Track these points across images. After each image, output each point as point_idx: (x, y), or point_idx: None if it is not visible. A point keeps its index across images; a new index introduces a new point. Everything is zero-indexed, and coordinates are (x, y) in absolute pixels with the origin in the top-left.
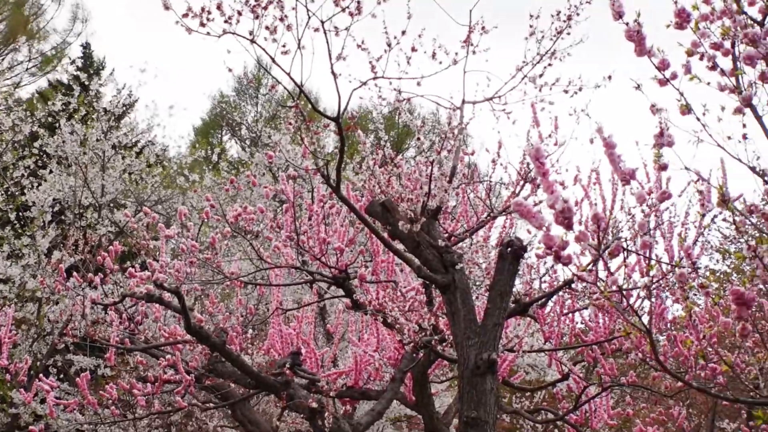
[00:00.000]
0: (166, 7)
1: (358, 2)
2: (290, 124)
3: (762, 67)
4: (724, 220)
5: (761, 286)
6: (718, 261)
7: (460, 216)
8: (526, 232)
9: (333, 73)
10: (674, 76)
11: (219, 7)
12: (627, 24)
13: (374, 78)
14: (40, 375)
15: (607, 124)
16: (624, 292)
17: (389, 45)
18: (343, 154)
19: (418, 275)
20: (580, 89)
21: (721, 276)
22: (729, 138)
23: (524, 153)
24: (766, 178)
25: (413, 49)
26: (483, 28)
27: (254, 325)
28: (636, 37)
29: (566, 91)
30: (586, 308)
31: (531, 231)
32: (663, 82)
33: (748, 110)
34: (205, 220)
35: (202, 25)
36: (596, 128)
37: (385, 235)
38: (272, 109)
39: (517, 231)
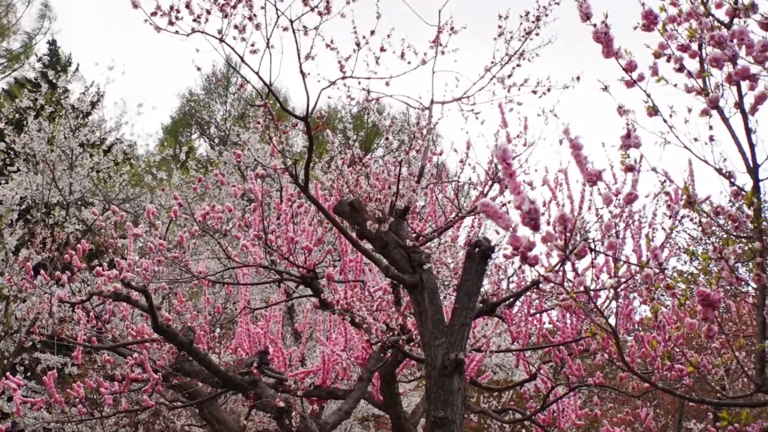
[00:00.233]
0: (135, 6)
1: (327, 2)
2: (259, 123)
3: (728, 69)
4: (692, 221)
5: (727, 287)
6: (686, 262)
7: (428, 216)
8: (494, 233)
9: (302, 72)
10: (641, 77)
11: (188, 6)
12: (595, 25)
13: (343, 78)
14: (7, 373)
15: (575, 125)
16: (591, 293)
17: (358, 45)
18: (312, 154)
19: (386, 275)
20: (549, 90)
21: (689, 277)
22: (696, 140)
23: (492, 154)
24: (732, 180)
25: (382, 49)
26: (452, 28)
27: (222, 324)
28: (603, 38)
29: (535, 92)
30: (554, 309)
31: (499, 231)
32: (630, 84)
33: (714, 112)
34: (174, 219)
35: (171, 23)
36: (563, 129)
37: (354, 234)
38: (241, 108)
39: (486, 231)
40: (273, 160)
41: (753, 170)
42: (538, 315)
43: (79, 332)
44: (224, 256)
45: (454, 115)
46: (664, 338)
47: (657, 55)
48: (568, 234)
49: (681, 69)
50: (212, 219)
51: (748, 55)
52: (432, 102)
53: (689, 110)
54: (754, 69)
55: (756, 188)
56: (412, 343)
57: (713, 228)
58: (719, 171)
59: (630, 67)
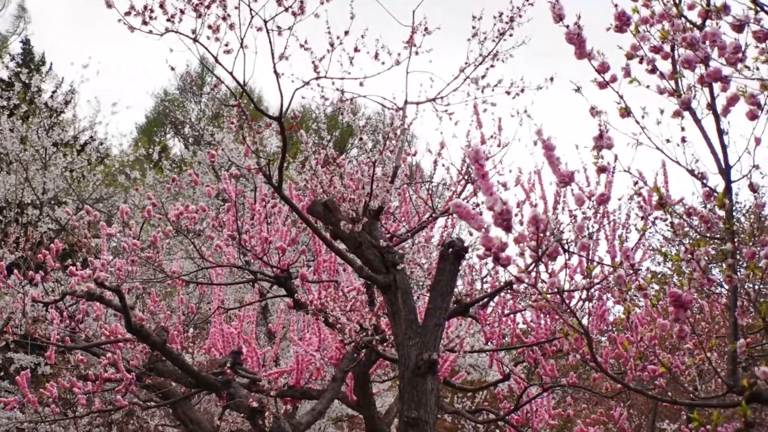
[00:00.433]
0: (109, 5)
1: (302, 2)
2: (232, 123)
3: (701, 71)
4: (665, 222)
5: (701, 289)
6: (660, 263)
7: (402, 216)
8: (468, 233)
9: (275, 72)
10: (614, 78)
11: (162, 6)
12: (567, 27)
13: (317, 78)
14: None
15: (550, 125)
16: (563, 294)
17: (332, 45)
18: (285, 154)
19: (360, 275)
20: (522, 91)
21: (662, 278)
22: (668, 141)
23: (465, 154)
24: (704, 181)
25: (356, 50)
26: (426, 29)
27: (196, 324)
28: (576, 40)
29: (508, 93)
30: (528, 309)
31: (473, 232)
32: (602, 85)
33: (687, 113)
34: (147, 219)
35: (145, 23)
36: (536, 130)
37: (327, 235)
38: (215, 108)
39: (460, 232)
40: (247, 160)
41: (725, 171)
42: (511, 315)
43: (52, 332)
44: (198, 256)
45: (429, 115)
46: (635, 339)
47: (629, 57)
48: (540, 235)
49: (653, 70)
50: (186, 219)
51: (721, 57)
52: (406, 102)
53: (661, 111)
54: (726, 71)
55: (728, 189)
56: (385, 344)
57: (686, 229)
58: (691, 172)
59: (602, 69)
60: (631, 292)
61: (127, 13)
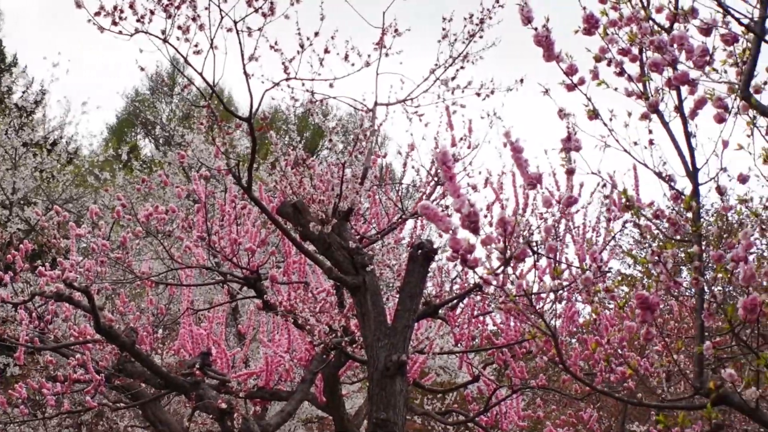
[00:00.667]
0: (78, 6)
1: (271, 3)
2: (202, 124)
3: (668, 74)
4: (635, 225)
5: (668, 291)
6: (629, 265)
7: (371, 218)
8: (437, 235)
9: (245, 73)
10: (582, 81)
11: (132, 6)
12: (536, 29)
13: (287, 79)
14: None
15: (520, 127)
16: (530, 296)
17: (302, 46)
18: (255, 155)
19: (329, 277)
20: (492, 92)
21: (632, 280)
22: (636, 143)
23: (433, 156)
24: (672, 184)
25: (326, 51)
26: (396, 30)
27: (165, 325)
28: (544, 42)
29: (478, 94)
30: (496, 311)
31: (443, 234)
32: (571, 87)
33: (654, 116)
34: (117, 220)
35: (114, 24)
36: (504, 132)
37: (297, 236)
38: (185, 109)
39: (430, 233)
40: (217, 161)
41: (692, 174)
42: (481, 317)
43: (21, 333)
44: (167, 257)
45: (399, 117)
46: (601, 341)
47: (598, 59)
48: (507, 237)
49: (621, 73)
50: (156, 220)
51: (688, 60)
52: (376, 104)
53: (629, 114)
54: (694, 74)
55: (695, 192)
56: (354, 345)
57: (655, 231)
58: (659, 175)
59: (571, 71)
60: (600, 295)
61: (97, 14)
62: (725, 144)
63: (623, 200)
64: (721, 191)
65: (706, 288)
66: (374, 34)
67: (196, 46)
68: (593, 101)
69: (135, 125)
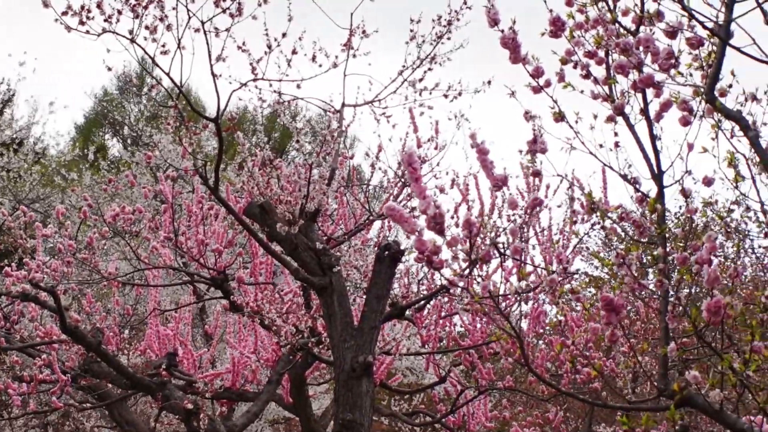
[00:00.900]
0: (46, 5)
1: (239, 4)
2: (169, 124)
3: (634, 77)
4: (602, 227)
5: (634, 292)
6: (597, 267)
7: (338, 219)
8: (405, 237)
9: (213, 73)
10: (548, 83)
11: (99, 6)
12: (502, 31)
13: (254, 79)
14: None
15: (489, 129)
16: (495, 298)
17: (269, 47)
18: (222, 155)
19: (296, 277)
20: (460, 94)
21: (599, 282)
22: (601, 146)
23: (400, 157)
24: (637, 186)
25: (294, 52)
26: (363, 31)
27: (132, 326)
28: (511, 44)
29: (446, 96)
30: (462, 312)
31: (410, 235)
32: (537, 90)
33: (620, 119)
34: (84, 220)
35: (82, 23)
36: (470, 134)
37: (264, 237)
38: (153, 109)
39: (397, 234)
40: (184, 161)
41: (657, 177)
42: (448, 318)
43: None
44: (134, 257)
45: (367, 118)
46: (567, 342)
47: (564, 62)
48: (473, 238)
49: (587, 75)
50: (122, 220)
51: (654, 63)
52: (343, 105)
53: (595, 116)
54: (659, 76)
55: (660, 194)
56: (321, 346)
57: (621, 233)
58: (624, 177)
59: (537, 73)
60: (568, 296)
61: (64, 13)
62: (690, 147)
63: (589, 202)
64: (686, 194)
65: (670, 290)
66: (342, 35)
67: (163, 46)
68: (559, 103)
69: (103, 125)
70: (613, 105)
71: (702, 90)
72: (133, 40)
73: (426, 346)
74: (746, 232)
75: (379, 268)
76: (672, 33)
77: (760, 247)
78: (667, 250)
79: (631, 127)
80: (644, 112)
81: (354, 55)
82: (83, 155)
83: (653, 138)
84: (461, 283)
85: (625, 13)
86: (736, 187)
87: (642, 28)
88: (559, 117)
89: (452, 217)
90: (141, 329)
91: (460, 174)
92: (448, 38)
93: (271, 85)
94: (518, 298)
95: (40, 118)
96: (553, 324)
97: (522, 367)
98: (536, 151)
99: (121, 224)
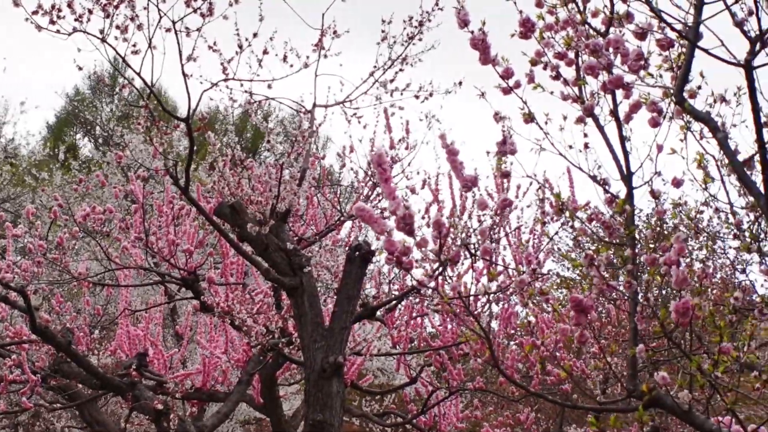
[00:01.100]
0: (16, 4)
1: (210, 3)
2: (140, 124)
3: (604, 78)
4: (572, 227)
5: (604, 294)
6: (568, 268)
7: (309, 219)
8: (376, 237)
9: (184, 73)
10: (518, 84)
11: (70, 5)
12: (472, 32)
13: (225, 79)
14: None
15: (458, 129)
16: (465, 299)
17: (240, 47)
18: (193, 155)
19: (266, 278)
20: (431, 95)
21: (571, 283)
22: (571, 147)
23: (369, 158)
24: (606, 187)
25: (265, 52)
26: (335, 32)
27: (102, 326)
28: (480, 45)
29: (417, 97)
30: (432, 313)
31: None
32: (507, 91)
33: (590, 120)
34: (54, 220)
35: (52, 22)
36: (439, 135)
37: (234, 237)
38: (124, 108)
39: (367, 235)
40: (155, 161)
41: (627, 178)
42: (419, 319)
43: None
44: (105, 257)
45: (338, 118)
46: (537, 343)
47: (534, 63)
48: (442, 239)
49: (557, 77)
50: (93, 220)
51: (623, 64)
52: (314, 105)
53: (565, 117)
54: (629, 78)
55: (629, 196)
56: (292, 346)
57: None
58: (593, 178)
59: (507, 75)
60: (536, 297)
61: (35, 12)
62: (659, 148)
63: (558, 203)
64: (655, 195)
65: (639, 291)
66: (313, 35)
67: (134, 45)
68: (529, 105)
69: (74, 125)
70: (583, 106)
71: (671, 91)
72: (104, 40)
73: (397, 347)
74: (716, 234)
75: (350, 268)
76: (642, 34)
77: (730, 248)
78: (637, 251)
79: (600, 128)
80: (614, 113)
81: (325, 56)
82: (54, 155)
83: (622, 139)
84: (431, 284)
85: (594, 15)
86: (705, 189)
87: (612, 29)
88: (529, 118)
89: (423, 218)
90: (111, 329)
91: (431, 174)
92: (420, 39)
93: (242, 85)
94: (488, 299)
95: (11, 118)
96: (522, 325)
97: (493, 368)
98: (506, 152)
99: (91, 224)
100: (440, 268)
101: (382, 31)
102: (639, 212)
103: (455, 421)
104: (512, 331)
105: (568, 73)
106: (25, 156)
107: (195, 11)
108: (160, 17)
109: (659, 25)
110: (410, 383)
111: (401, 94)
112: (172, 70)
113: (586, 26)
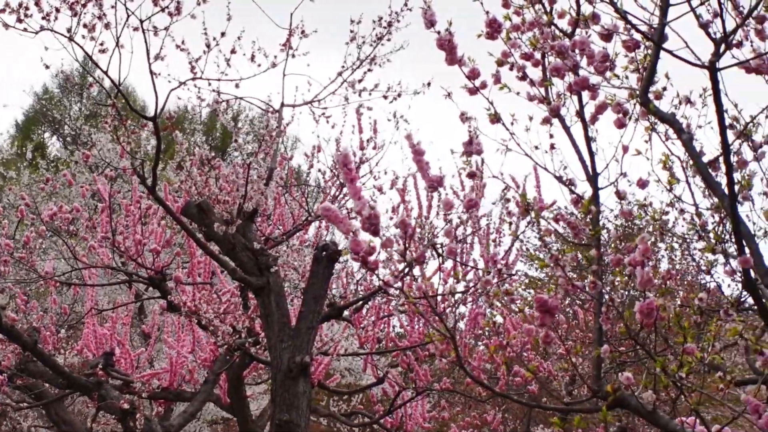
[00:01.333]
0: None
1: (178, 2)
2: (107, 123)
3: (570, 79)
4: (539, 228)
5: (570, 295)
6: (537, 269)
7: (276, 219)
8: (342, 237)
9: (151, 72)
10: (484, 85)
11: (37, 3)
12: (439, 33)
13: (193, 78)
14: None
15: (427, 130)
16: (430, 299)
17: (208, 46)
18: (160, 155)
19: (233, 277)
20: (399, 95)
21: (538, 283)
22: (537, 147)
23: (335, 158)
24: (572, 188)
25: (233, 51)
26: (303, 32)
27: (69, 325)
28: (447, 46)
29: (386, 97)
30: (399, 313)
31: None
32: (473, 91)
33: (556, 120)
34: (22, 219)
35: (20, 21)
36: (405, 135)
37: (201, 236)
38: (92, 107)
39: (334, 235)
40: (123, 160)
41: (593, 179)
42: (386, 319)
43: None
44: (72, 256)
45: (306, 118)
46: (503, 344)
47: (500, 63)
48: (408, 239)
49: (524, 77)
50: (60, 219)
51: (589, 65)
52: (282, 105)
53: (531, 118)
54: (595, 79)
55: (595, 196)
56: (258, 346)
57: (555, 230)
58: (559, 179)
59: (473, 75)
60: (503, 297)
61: (2, 10)
62: (625, 149)
63: (524, 203)
64: (620, 196)
65: (604, 292)
66: (281, 35)
67: (102, 44)
68: (495, 105)
69: (42, 123)
70: (549, 107)
71: (637, 93)
72: (71, 39)
73: (364, 347)
74: (683, 235)
75: (317, 268)
76: (607, 36)
77: (695, 249)
78: (602, 251)
79: (566, 129)
80: (580, 114)
81: (293, 55)
82: (22, 153)
83: (588, 140)
84: (397, 284)
85: (561, 16)
86: (670, 190)
87: (578, 30)
88: (495, 118)
89: (391, 218)
90: (78, 329)
91: (399, 175)
92: (388, 39)
93: (210, 85)
94: (454, 299)
95: None
96: (487, 324)
97: (459, 369)
98: (472, 153)
99: (58, 223)
100: (406, 269)
101: (351, 31)
102: (610, 211)
103: (422, 421)
104: (479, 332)
105: (535, 74)
106: None
107: (163, 10)
108: (128, 16)
109: (625, 27)
110: (377, 383)
111: (369, 94)
112: (140, 69)
113: (553, 27)
